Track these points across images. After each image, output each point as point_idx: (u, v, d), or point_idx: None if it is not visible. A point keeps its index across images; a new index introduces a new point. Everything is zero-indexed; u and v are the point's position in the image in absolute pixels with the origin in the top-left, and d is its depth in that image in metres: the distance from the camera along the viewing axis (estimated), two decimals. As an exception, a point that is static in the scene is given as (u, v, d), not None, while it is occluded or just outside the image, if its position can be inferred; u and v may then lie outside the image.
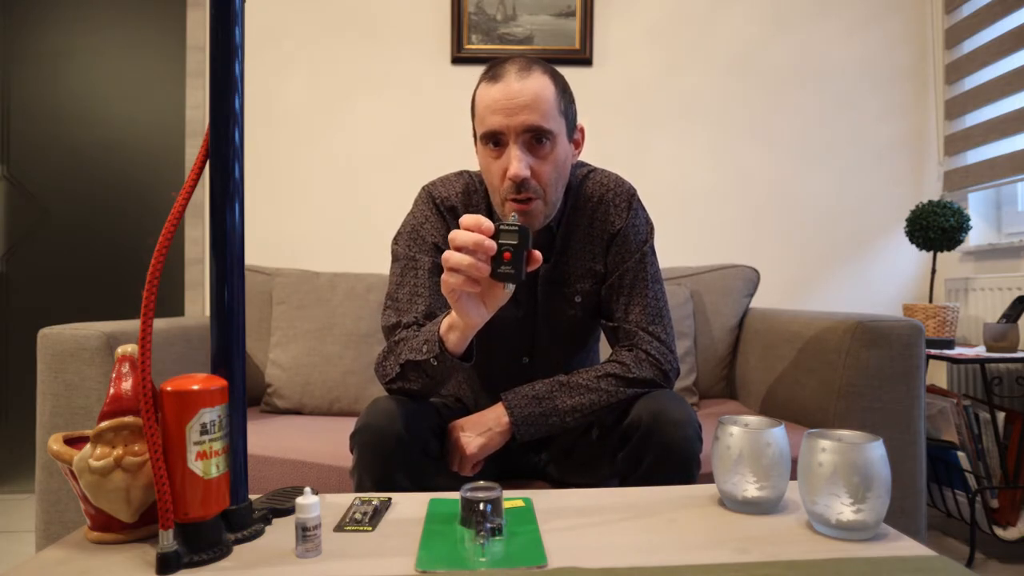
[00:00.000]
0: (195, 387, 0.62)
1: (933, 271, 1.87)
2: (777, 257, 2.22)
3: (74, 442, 0.71)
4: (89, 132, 2.25)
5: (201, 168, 0.69)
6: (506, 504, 0.78)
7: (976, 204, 2.14)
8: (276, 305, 1.78)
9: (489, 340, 1.03)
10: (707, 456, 1.15)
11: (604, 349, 1.37)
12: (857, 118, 2.21)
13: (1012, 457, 1.63)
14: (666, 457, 0.92)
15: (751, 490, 0.74)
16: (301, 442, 1.35)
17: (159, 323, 1.51)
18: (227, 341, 0.69)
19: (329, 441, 1.35)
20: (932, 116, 2.22)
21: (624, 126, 2.19)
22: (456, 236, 0.79)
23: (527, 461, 1.19)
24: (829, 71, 2.21)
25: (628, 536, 0.69)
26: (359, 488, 0.93)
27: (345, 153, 2.17)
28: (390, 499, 0.81)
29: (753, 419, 0.81)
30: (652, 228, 1.13)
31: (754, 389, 1.71)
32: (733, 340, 1.85)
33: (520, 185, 0.97)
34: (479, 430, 1.00)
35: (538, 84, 0.97)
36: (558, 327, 1.12)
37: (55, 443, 0.68)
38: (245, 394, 0.71)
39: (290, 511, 0.75)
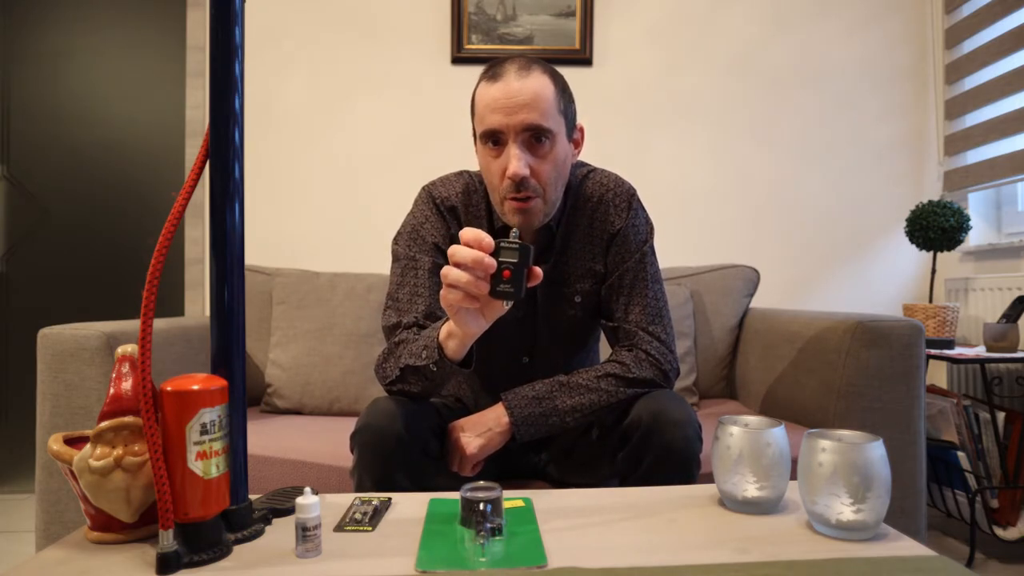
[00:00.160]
0: (195, 387, 0.62)
1: (933, 271, 1.87)
2: (777, 257, 2.22)
3: (74, 442, 0.71)
4: (89, 132, 2.25)
5: (201, 168, 0.69)
6: (506, 504, 0.78)
7: (976, 204, 2.14)
8: (276, 305, 1.78)
9: (489, 340, 1.03)
10: (707, 456, 1.15)
11: (604, 349, 1.37)
12: (857, 118, 2.21)
13: (1012, 457, 1.63)
14: (666, 457, 0.92)
15: (751, 490, 0.74)
16: (301, 442, 1.35)
17: (159, 323, 1.51)
18: (227, 341, 0.69)
19: (329, 441, 1.35)
20: (932, 116, 2.22)
21: (624, 126, 2.19)
22: (456, 252, 0.78)
23: (527, 461, 1.19)
24: (829, 71, 2.21)
25: (628, 536, 0.69)
26: (359, 488, 0.93)
27: (345, 153, 2.17)
28: (390, 499, 0.81)
29: (753, 419, 0.81)
30: (652, 228, 1.13)
31: (754, 389, 1.71)
32: (733, 340, 1.85)
33: (520, 184, 0.97)
34: (479, 430, 1.00)
35: (537, 83, 0.97)
36: (558, 327, 1.12)
37: (55, 443, 0.68)
38: (245, 394, 0.71)
39: (290, 511, 0.75)
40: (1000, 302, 1.88)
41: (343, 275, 1.83)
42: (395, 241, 1.10)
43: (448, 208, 1.10)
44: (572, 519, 0.74)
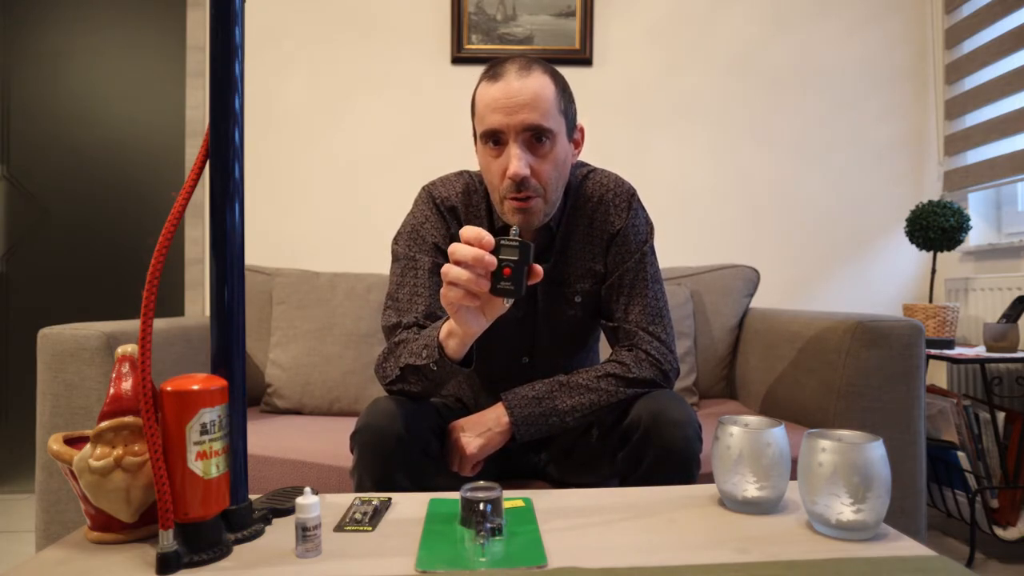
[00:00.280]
0: (195, 387, 0.62)
1: (933, 271, 1.87)
2: (777, 257, 2.22)
3: (74, 442, 0.71)
4: (89, 132, 2.25)
5: (201, 168, 0.69)
6: (506, 504, 0.78)
7: (976, 204, 2.14)
8: (276, 305, 1.78)
9: (489, 340, 1.03)
10: (707, 456, 1.15)
11: (604, 349, 1.37)
12: (857, 118, 2.21)
13: (1012, 457, 1.63)
14: (666, 457, 0.92)
15: (751, 490, 0.74)
16: (301, 442, 1.35)
17: (159, 323, 1.51)
18: (227, 341, 0.69)
19: (329, 441, 1.35)
20: (932, 116, 2.22)
21: (624, 126, 2.19)
22: (456, 250, 0.78)
23: (527, 461, 1.19)
24: (829, 71, 2.21)
25: (628, 536, 0.69)
26: (359, 488, 0.93)
27: (345, 153, 2.17)
28: (390, 499, 0.81)
29: (753, 419, 0.81)
30: (652, 228, 1.13)
31: (754, 389, 1.71)
32: (733, 340, 1.85)
33: (520, 184, 0.97)
34: (479, 430, 1.00)
35: (538, 83, 0.97)
36: (558, 327, 1.12)
37: (55, 443, 0.68)
38: (245, 394, 0.71)
39: (290, 511, 0.75)
40: (1000, 302, 1.88)
41: (343, 275, 1.83)
42: (395, 241, 1.10)
43: (448, 208, 1.10)
44: (572, 519, 0.74)
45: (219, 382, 0.65)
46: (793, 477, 1.14)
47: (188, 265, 2.17)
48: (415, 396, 0.99)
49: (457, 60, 2.15)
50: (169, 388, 0.62)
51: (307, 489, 0.66)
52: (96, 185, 2.26)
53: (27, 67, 2.24)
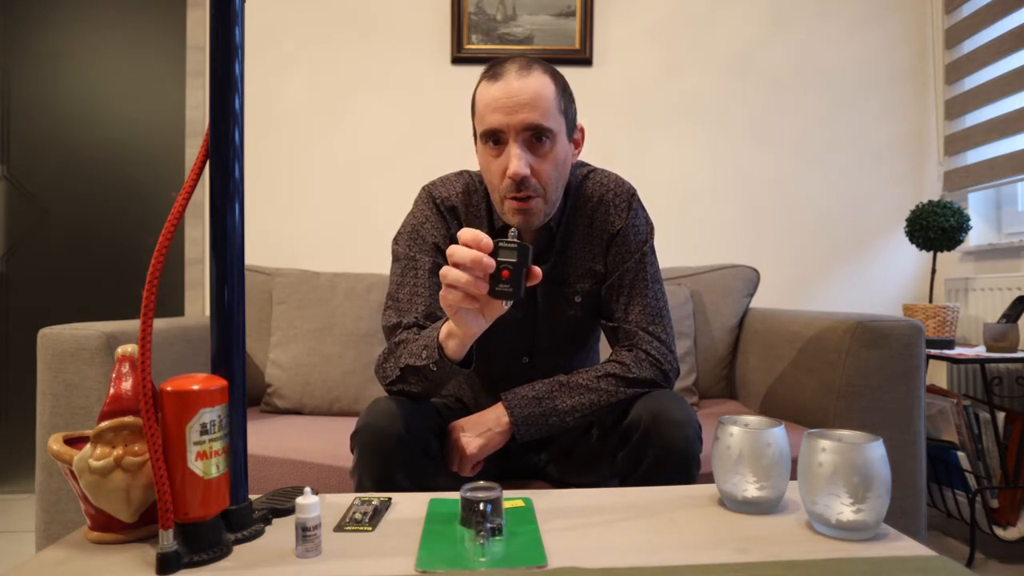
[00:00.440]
0: (195, 387, 0.62)
1: (933, 271, 1.87)
2: (777, 257, 2.22)
3: (74, 442, 0.71)
4: (89, 132, 2.25)
5: (201, 168, 0.69)
6: (506, 504, 0.78)
7: (976, 204, 2.14)
8: (276, 305, 1.78)
9: (489, 340, 1.03)
10: (707, 456, 1.15)
11: (604, 349, 1.37)
12: (857, 118, 2.21)
13: (1012, 457, 1.63)
14: (666, 457, 0.92)
15: (751, 490, 0.74)
16: (301, 442, 1.35)
17: (159, 323, 1.51)
18: (227, 341, 0.69)
19: (329, 441, 1.35)
20: (932, 116, 2.22)
21: (624, 126, 2.19)
22: (454, 252, 0.78)
23: (527, 461, 1.19)
24: (829, 71, 2.21)
25: (628, 536, 0.69)
26: (359, 488, 0.93)
27: (345, 153, 2.17)
28: (390, 499, 0.81)
29: (753, 419, 0.81)
30: (652, 228, 1.13)
31: (754, 389, 1.71)
32: (733, 340, 1.85)
33: (520, 183, 0.97)
34: (479, 430, 1.00)
35: (538, 83, 0.97)
36: (558, 327, 1.12)
37: (55, 443, 0.68)
38: (245, 394, 0.71)
39: (290, 511, 0.75)
40: (1000, 302, 1.88)
41: (343, 275, 1.83)
42: (395, 241, 1.10)
43: (448, 208, 1.10)
44: (572, 519, 0.74)
45: (219, 382, 0.65)
46: (793, 477, 1.14)
47: (188, 265, 2.17)
48: (415, 396, 0.99)
49: (457, 60, 2.15)
50: (169, 388, 0.62)
51: (307, 489, 0.66)
52: (96, 185, 2.26)
53: (27, 67, 2.24)
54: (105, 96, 2.25)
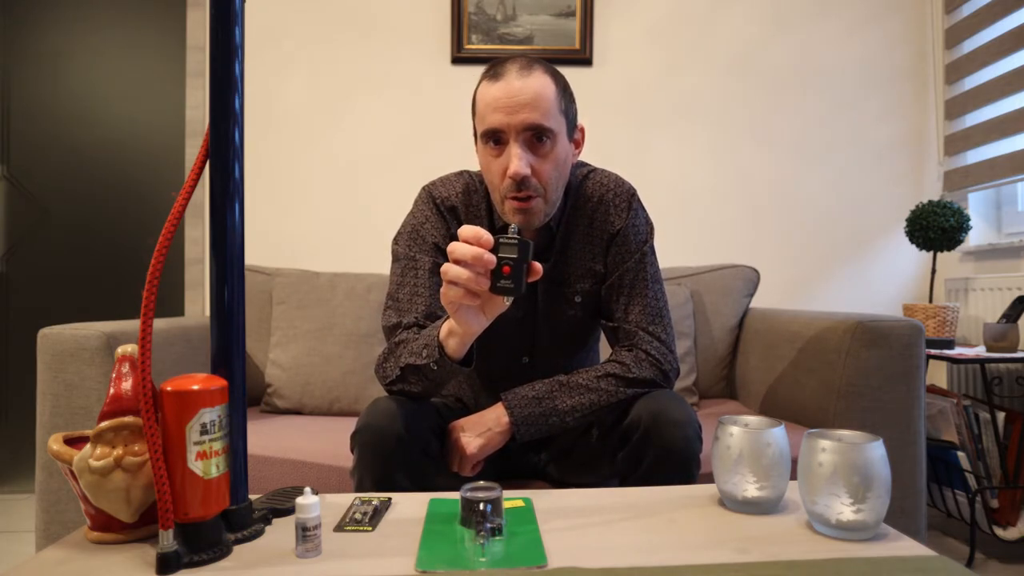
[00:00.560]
0: (195, 387, 0.62)
1: (933, 271, 1.87)
2: (777, 257, 2.22)
3: (74, 442, 0.71)
4: (89, 132, 2.25)
5: (201, 168, 0.69)
6: (506, 504, 0.78)
7: (976, 204, 2.14)
8: (276, 305, 1.78)
9: (489, 340, 1.03)
10: (707, 456, 1.15)
11: (604, 349, 1.37)
12: (857, 118, 2.21)
13: (1012, 457, 1.63)
14: (666, 457, 0.92)
15: (751, 490, 0.74)
16: (301, 442, 1.35)
17: (159, 323, 1.51)
18: (227, 341, 0.69)
19: (329, 441, 1.35)
20: (932, 116, 2.22)
21: (624, 126, 2.19)
22: (455, 249, 0.78)
23: (527, 461, 1.19)
24: (829, 71, 2.21)
25: (628, 536, 0.69)
26: (359, 488, 0.93)
27: (345, 153, 2.17)
28: (390, 499, 0.81)
29: (753, 419, 0.81)
30: (652, 228, 1.13)
31: (754, 389, 1.71)
32: (733, 340, 1.85)
33: (520, 183, 0.97)
34: (479, 430, 1.00)
35: (539, 83, 0.97)
36: (558, 327, 1.12)
37: (55, 443, 0.68)
38: (245, 394, 0.71)
39: (290, 511, 0.75)
40: (1000, 302, 1.88)
41: (343, 275, 1.83)
42: (395, 241, 1.10)
43: (448, 208, 1.10)
44: (572, 519, 0.74)
45: (219, 382, 0.65)
46: (793, 477, 1.14)
47: (188, 265, 2.17)
48: (415, 396, 0.99)
49: (457, 60, 2.15)
50: (169, 388, 0.62)
51: (307, 489, 0.66)
52: (96, 185, 2.26)
53: (27, 67, 2.24)
54: (105, 96, 2.25)
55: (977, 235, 2.12)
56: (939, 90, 2.20)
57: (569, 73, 2.14)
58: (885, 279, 2.22)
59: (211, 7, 0.67)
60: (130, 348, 0.68)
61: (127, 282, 2.27)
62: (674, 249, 2.19)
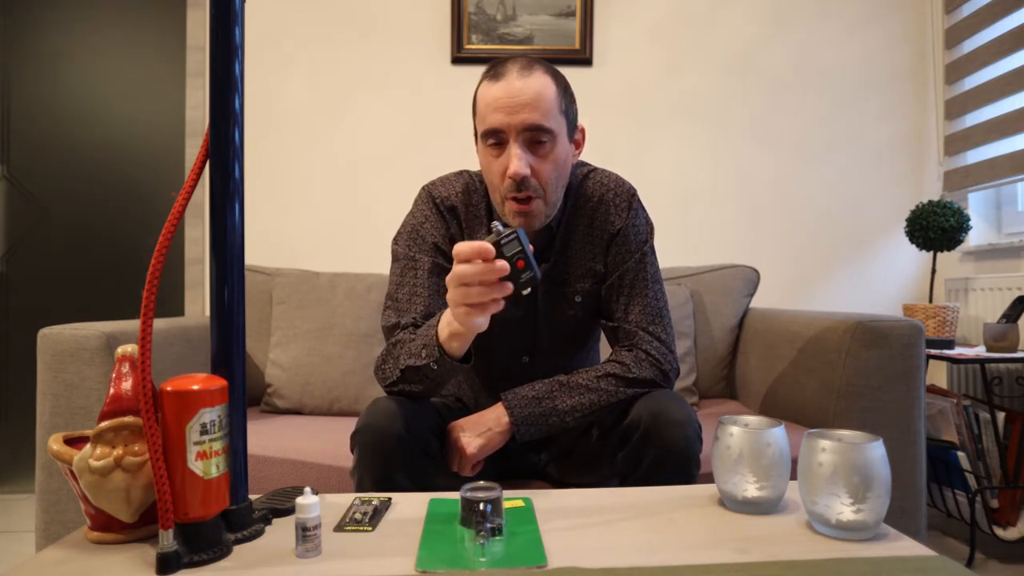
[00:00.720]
0: (195, 387, 0.62)
1: (933, 271, 1.87)
2: (777, 257, 2.22)
3: (74, 442, 0.71)
4: (89, 132, 2.25)
5: (201, 168, 0.69)
6: (506, 504, 0.78)
7: (976, 204, 2.14)
8: (276, 305, 1.78)
9: (489, 340, 1.03)
10: (707, 456, 1.15)
11: (604, 349, 1.37)
12: (857, 118, 2.21)
13: (1012, 457, 1.63)
14: (666, 457, 0.92)
15: (751, 490, 0.74)
16: (301, 442, 1.35)
17: (159, 323, 1.51)
18: (227, 341, 0.69)
19: (329, 441, 1.35)
20: (932, 116, 2.22)
21: (624, 126, 2.19)
22: (464, 274, 0.77)
23: (527, 461, 1.19)
24: (829, 71, 2.21)
25: (628, 536, 0.69)
26: (359, 488, 0.93)
27: (345, 153, 2.17)
28: (390, 499, 0.81)
29: (753, 419, 0.81)
30: (652, 228, 1.13)
31: (754, 389, 1.71)
32: (733, 340, 1.85)
33: (520, 183, 0.97)
34: (479, 430, 1.00)
35: (539, 83, 0.97)
36: (558, 327, 1.12)
37: (55, 443, 0.68)
38: (245, 394, 0.71)
39: (290, 511, 0.75)
40: (1000, 302, 1.88)
41: (343, 275, 1.83)
42: (395, 241, 1.10)
43: (448, 208, 1.10)
44: (572, 519, 0.74)
45: (219, 382, 0.65)
46: (793, 477, 1.14)
47: (188, 265, 2.17)
48: (416, 396, 0.99)
49: (457, 60, 2.15)
50: (169, 388, 0.62)
51: (307, 489, 0.66)
52: (96, 185, 2.25)
53: (27, 67, 2.24)
54: (105, 96, 2.25)
55: (977, 235, 2.12)
56: (939, 90, 2.20)
57: (569, 73, 2.14)
58: (885, 279, 2.22)
59: (211, 7, 0.67)
60: (130, 348, 0.68)
61: (127, 282, 2.27)
62: (674, 249, 2.19)
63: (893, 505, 1.29)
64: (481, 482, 0.73)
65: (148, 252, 2.25)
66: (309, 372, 1.70)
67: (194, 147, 2.17)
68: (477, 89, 1.02)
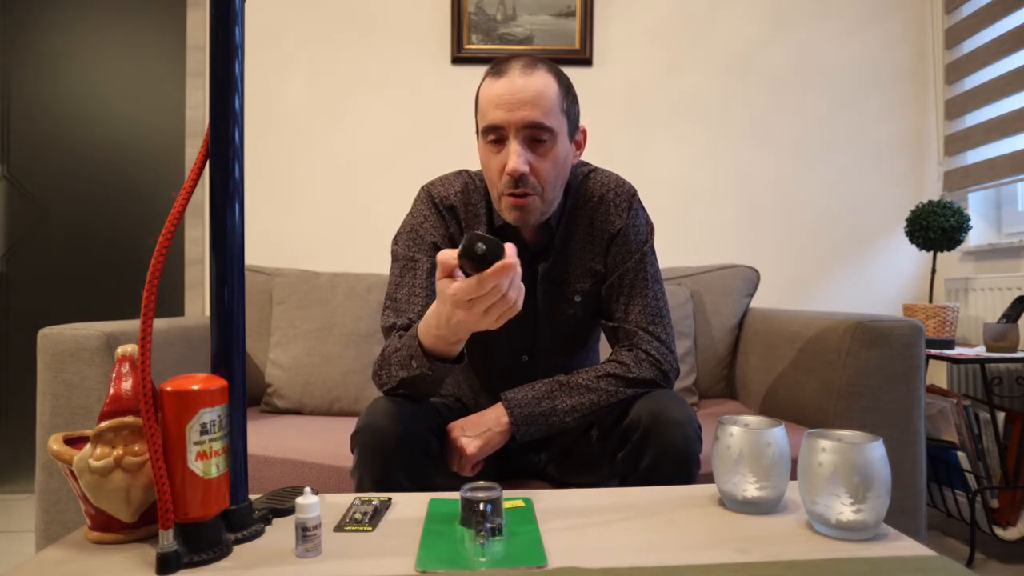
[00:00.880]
0: (195, 387, 0.62)
1: (933, 271, 1.87)
2: (777, 257, 2.21)
3: (74, 442, 0.71)
4: (89, 132, 2.25)
5: (201, 168, 0.69)
6: (506, 504, 0.78)
7: (976, 204, 2.14)
8: (276, 305, 1.78)
9: (489, 340, 1.03)
10: (707, 456, 1.15)
11: (604, 349, 1.37)
12: (857, 118, 2.21)
13: (1012, 457, 1.63)
14: (666, 457, 0.92)
15: (751, 490, 0.74)
16: (301, 442, 1.35)
17: (159, 323, 1.51)
18: (227, 341, 0.69)
19: (329, 441, 1.35)
20: (932, 116, 2.22)
21: (624, 126, 2.19)
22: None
23: (527, 461, 1.19)
24: (829, 71, 2.21)
25: (628, 536, 0.69)
26: (359, 488, 0.93)
27: (345, 153, 2.17)
28: (390, 499, 0.81)
29: (753, 419, 0.81)
30: (652, 228, 1.13)
31: (754, 389, 1.71)
32: (733, 340, 1.85)
33: (518, 180, 0.97)
34: (478, 430, 1.00)
35: (541, 82, 0.97)
36: (558, 327, 1.12)
37: (55, 443, 0.68)
38: (245, 394, 0.71)
39: (290, 511, 0.75)
40: (1000, 302, 1.88)
41: (343, 275, 1.83)
42: (395, 241, 1.10)
43: (447, 207, 1.10)
44: (572, 519, 0.74)
45: (219, 382, 0.65)
46: (793, 477, 1.14)
47: (188, 265, 2.17)
48: (416, 397, 0.99)
49: (457, 60, 2.15)
50: (169, 388, 0.62)
51: (307, 489, 0.66)
52: (96, 185, 2.25)
53: (27, 67, 2.24)
54: (105, 96, 2.25)
55: (977, 235, 2.12)
56: (939, 90, 2.20)
57: (569, 73, 2.14)
58: (885, 279, 2.22)
59: (211, 7, 0.67)
60: (130, 348, 0.68)
61: (127, 282, 2.27)
62: (674, 249, 2.19)
63: (893, 505, 1.29)
64: (481, 482, 0.73)
65: (148, 252, 2.25)
66: (309, 372, 1.70)
67: (194, 147, 2.17)
68: (480, 86, 1.02)
